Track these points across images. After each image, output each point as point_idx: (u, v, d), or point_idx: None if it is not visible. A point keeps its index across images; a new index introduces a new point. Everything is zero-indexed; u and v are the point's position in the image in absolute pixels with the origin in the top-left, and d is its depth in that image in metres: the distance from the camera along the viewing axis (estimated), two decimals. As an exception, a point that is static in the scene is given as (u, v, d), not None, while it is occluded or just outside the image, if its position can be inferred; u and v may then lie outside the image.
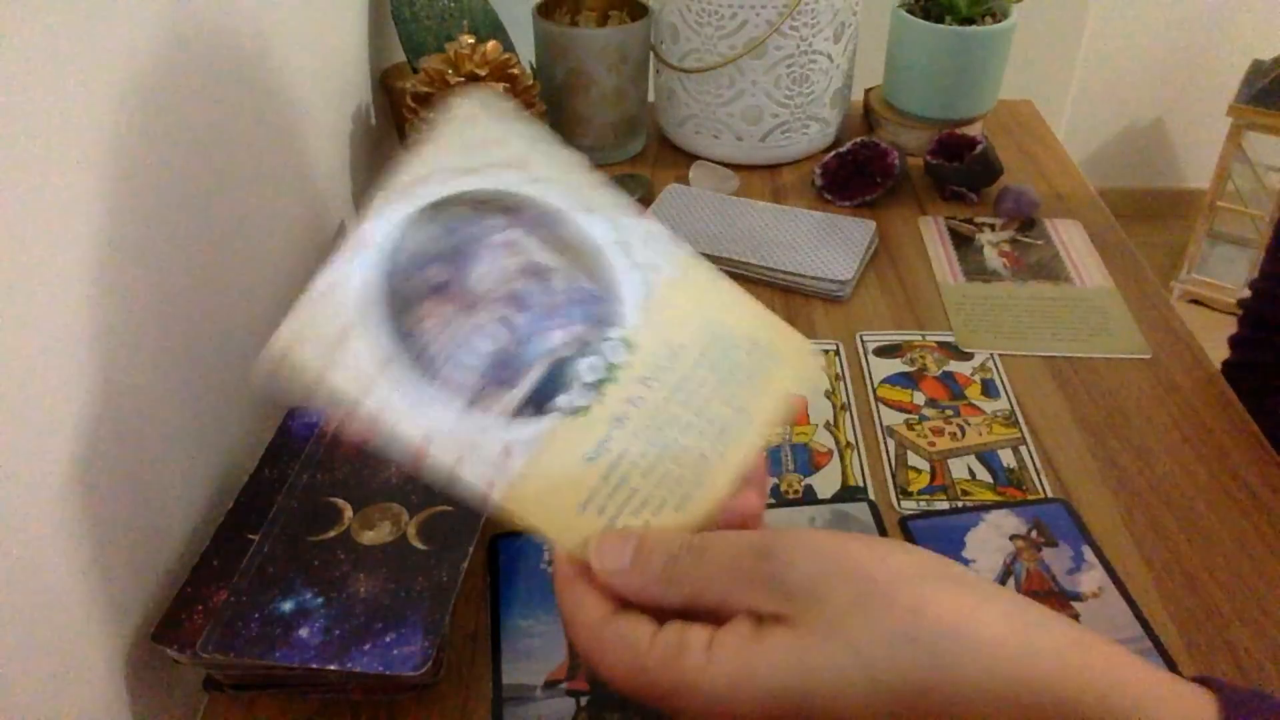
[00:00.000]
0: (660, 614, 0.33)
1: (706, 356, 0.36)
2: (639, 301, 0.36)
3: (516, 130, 0.34)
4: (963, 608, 0.30)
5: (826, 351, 0.70)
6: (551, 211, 0.35)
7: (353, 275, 0.32)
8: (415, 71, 0.84)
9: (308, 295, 0.31)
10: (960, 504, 0.58)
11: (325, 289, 0.31)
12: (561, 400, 0.34)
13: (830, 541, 0.32)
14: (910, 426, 0.64)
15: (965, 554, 0.55)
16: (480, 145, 0.33)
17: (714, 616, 0.32)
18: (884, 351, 0.71)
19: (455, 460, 0.32)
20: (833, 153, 0.89)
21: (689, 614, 0.33)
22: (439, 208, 0.33)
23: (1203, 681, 0.30)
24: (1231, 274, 2.15)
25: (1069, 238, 0.83)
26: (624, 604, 0.33)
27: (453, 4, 0.92)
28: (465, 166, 0.33)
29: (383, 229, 0.32)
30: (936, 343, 0.71)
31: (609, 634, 0.32)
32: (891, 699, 0.29)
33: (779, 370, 0.37)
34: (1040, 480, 0.60)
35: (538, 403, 0.34)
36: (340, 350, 0.31)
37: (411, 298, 0.33)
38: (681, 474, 0.35)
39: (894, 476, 0.60)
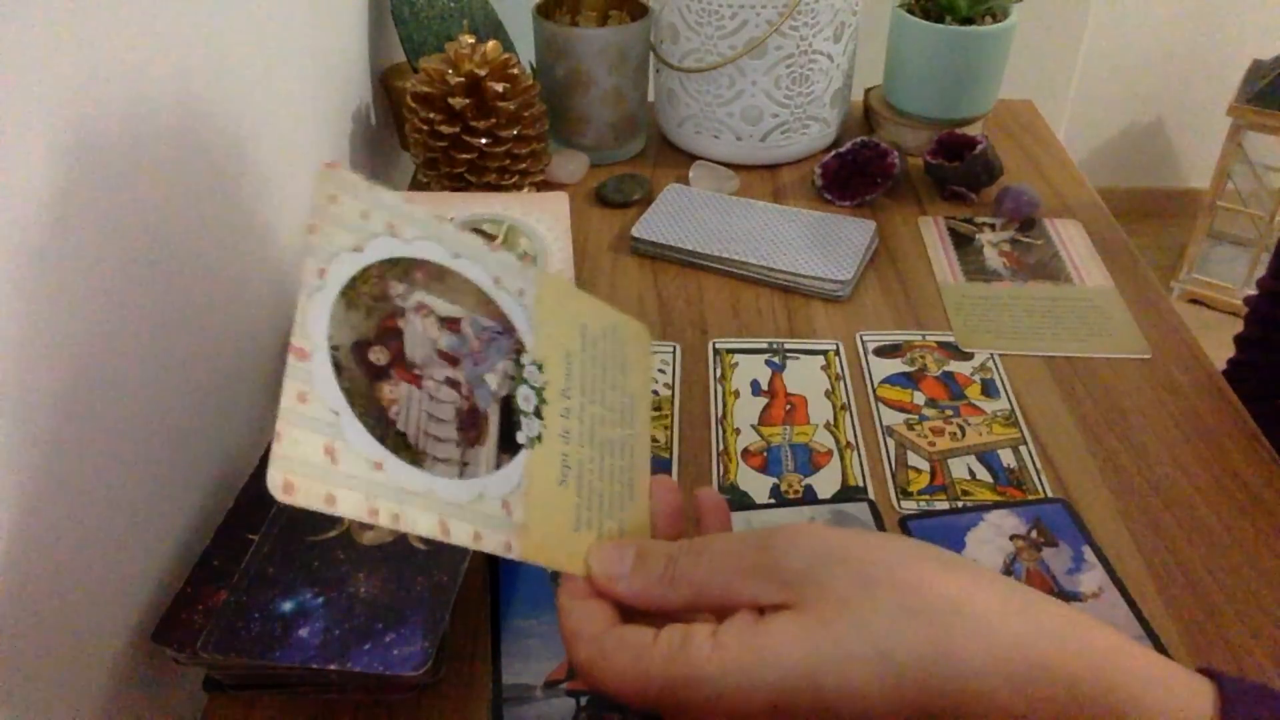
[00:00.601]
0: (661, 623, 0.33)
1: (588, 356, 0.40)
2: (527, 325, 0.38)
3: (376, 199, 0.34)
4: (963, 585, 0.30)
5: (826, 351, 0.70)
6: (435, 265, 0.35)
7: (309, 385, 0.30)
8: (415, 71, 0.84)
9: (282, 424, 0.29)
10: (960, 504, 0.58)
11: (292, 409, 0.29)
12: (521, 435, 0.36)
13: (826, 532, 0.33)
14: (910, 426, 0.64)
15: (965, 554, 0.55)
16: (352, 222, 0.33)
17: (715, 617, 0.32)
18: (884, 351, 0.71)
19: (473, 535, 0.33)
20: (833, 153, 0.88)
21: (690, 619, 0.33)
22: (349, 292, 0.32)
23: (1204, 672, 0.30)
24: (1231, 274, 2.15)
25: (1069, 238, 0.83)
26: (624, 619, 0.34)
27: (453, 4, 0.92)
28: (350, 245, 0.33)
29: (317, 327, 0.31)
30: (936, 343, 0.71)
31: (611, 641, 0.32)
32: (898, 672, 0.29)
33: (632, 348, 0.42)
34: (1040, 480, 0.60)
35: (506, 446, 0.35)
36: (334, 469, 0.30)
37: (368, 389, 0.32)
38: (620, 464, 0.39)
39: (894, 476, 0.60)
